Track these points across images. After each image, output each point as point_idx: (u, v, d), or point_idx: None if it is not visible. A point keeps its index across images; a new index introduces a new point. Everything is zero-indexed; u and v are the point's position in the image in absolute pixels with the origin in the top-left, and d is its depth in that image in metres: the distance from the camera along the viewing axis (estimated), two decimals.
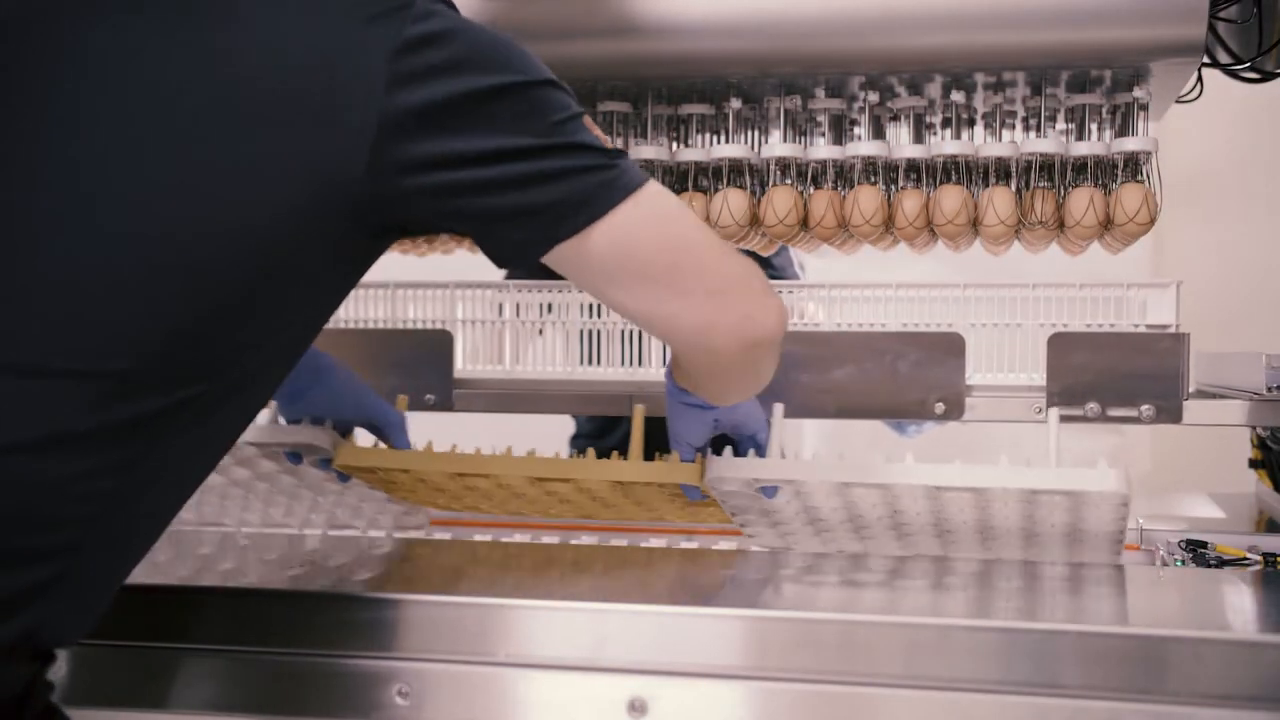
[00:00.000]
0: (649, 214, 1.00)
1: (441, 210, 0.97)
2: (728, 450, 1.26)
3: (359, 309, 1.67)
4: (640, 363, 1.61)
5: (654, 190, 1.01)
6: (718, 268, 1.04)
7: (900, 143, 1.51)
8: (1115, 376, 1.43)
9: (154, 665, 1.19)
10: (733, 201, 1.48)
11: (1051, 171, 1.47)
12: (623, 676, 1.11)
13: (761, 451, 1.27)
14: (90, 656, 1.19)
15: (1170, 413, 1.42)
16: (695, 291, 1.02)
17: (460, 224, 1.00)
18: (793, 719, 1.09)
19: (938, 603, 1.19)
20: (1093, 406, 1.43)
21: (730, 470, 1.23)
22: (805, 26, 1.38)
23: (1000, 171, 1.47)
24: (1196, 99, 1.49)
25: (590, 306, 1.61)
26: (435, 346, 1.60)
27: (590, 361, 1.63)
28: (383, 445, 1.35)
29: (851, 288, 1.54)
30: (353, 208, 0.94)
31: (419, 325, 1.65)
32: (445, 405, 1.59)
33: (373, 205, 0.94)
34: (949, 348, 1.47)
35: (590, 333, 1.62)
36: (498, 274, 1.85)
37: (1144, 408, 1.42)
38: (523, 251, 1.00)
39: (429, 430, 1.39)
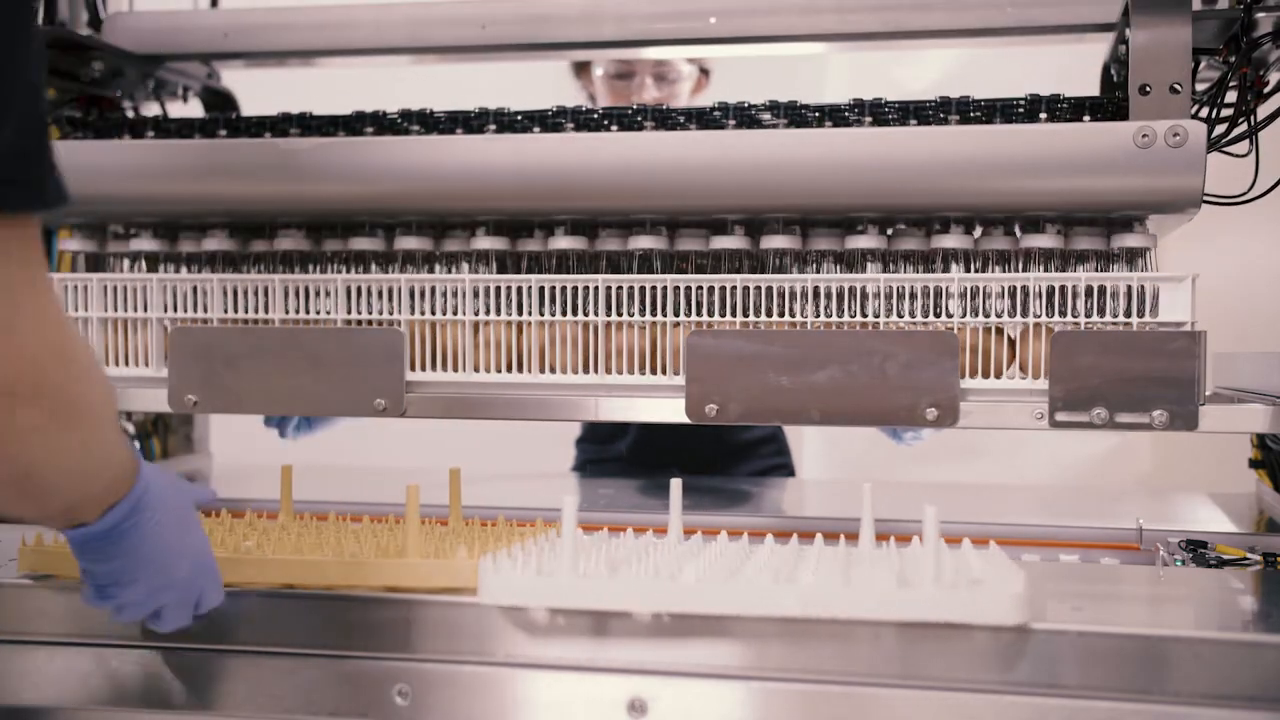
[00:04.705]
0: None
1: None
2: (501, 556, 1.17)
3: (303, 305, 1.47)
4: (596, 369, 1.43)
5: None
6: None
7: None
8: (1124, 379, 1.30)
9: (153, 665, 1.19)
10: None
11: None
12: (623, 676, 1.11)
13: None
14: (89, 657, 1.20)
15: (1185, 419, 1.29)
16: None
17: None
18: (792, 719, 1.10)
19: None
20: (1099, 413, 1.30)
21: (509, 596, 1.13)
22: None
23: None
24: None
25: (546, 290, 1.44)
26: (384, 348, 1.40)
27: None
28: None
29: (835, 280, 1.40)
30: None
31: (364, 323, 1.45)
32: (397, 412, 1.40)
33: None
34: (942, 347, 1.33)
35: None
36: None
37: (1156, 413, 1.29)
38: None
39: (427, 429, 1.26)
